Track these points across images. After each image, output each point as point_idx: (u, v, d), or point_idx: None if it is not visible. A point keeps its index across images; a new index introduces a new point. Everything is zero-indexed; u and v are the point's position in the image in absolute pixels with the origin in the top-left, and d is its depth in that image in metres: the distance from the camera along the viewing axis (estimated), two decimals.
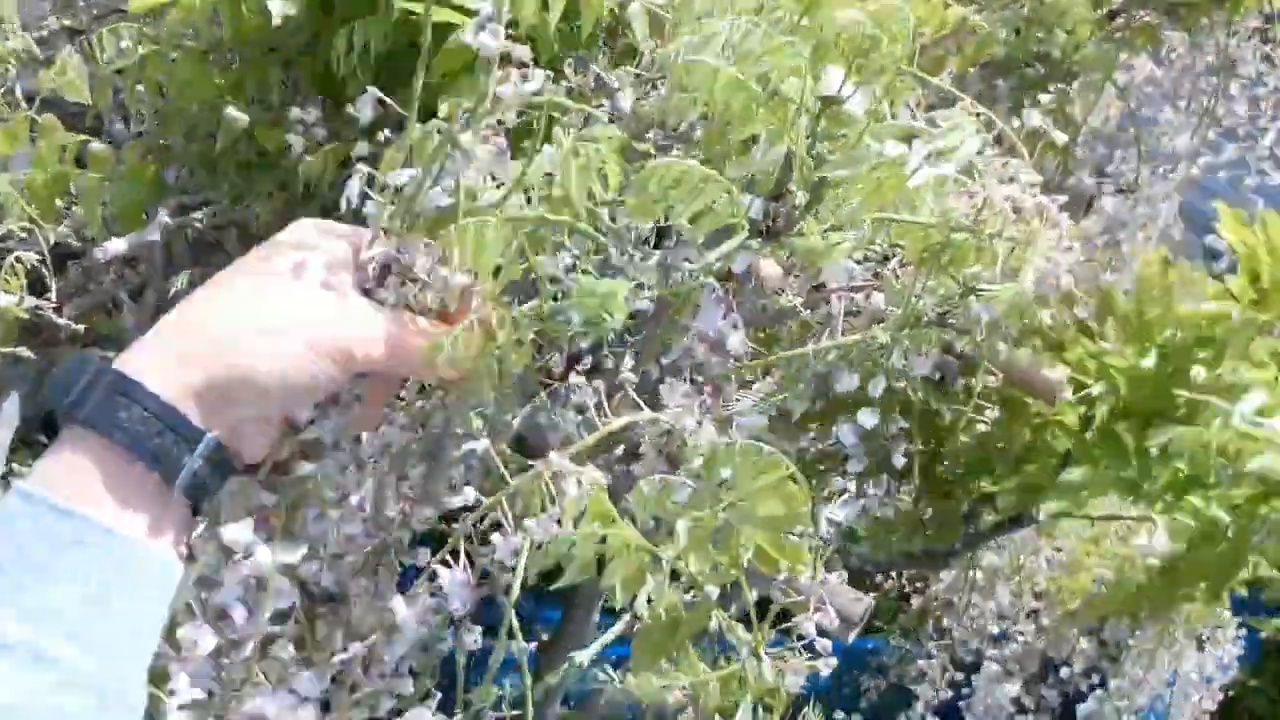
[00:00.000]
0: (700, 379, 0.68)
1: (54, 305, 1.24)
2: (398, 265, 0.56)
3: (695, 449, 0.55)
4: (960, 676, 1.90)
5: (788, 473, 0.54)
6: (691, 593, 0.59)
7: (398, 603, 0.57)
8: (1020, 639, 1.82)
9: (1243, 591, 2.00)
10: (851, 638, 1.07)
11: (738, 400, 0.68)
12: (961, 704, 1.90)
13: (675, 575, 0.59)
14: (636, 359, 0.67)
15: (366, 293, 0.56)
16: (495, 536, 0.53)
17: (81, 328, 1.32)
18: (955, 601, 1.83)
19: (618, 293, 0.53)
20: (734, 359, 0.67)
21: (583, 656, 0.61)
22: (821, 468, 1.18)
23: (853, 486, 1.37)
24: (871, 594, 2.07)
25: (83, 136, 1.12)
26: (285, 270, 0.54)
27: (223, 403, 0.51)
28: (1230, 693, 1.95)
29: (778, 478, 0.54)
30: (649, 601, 0.60)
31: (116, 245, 1.10)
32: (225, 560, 0.55)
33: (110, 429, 0.49)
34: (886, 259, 0.72)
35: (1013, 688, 1.82)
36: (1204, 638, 1.84)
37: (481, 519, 0.56)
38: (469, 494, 0.56)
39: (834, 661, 0.81)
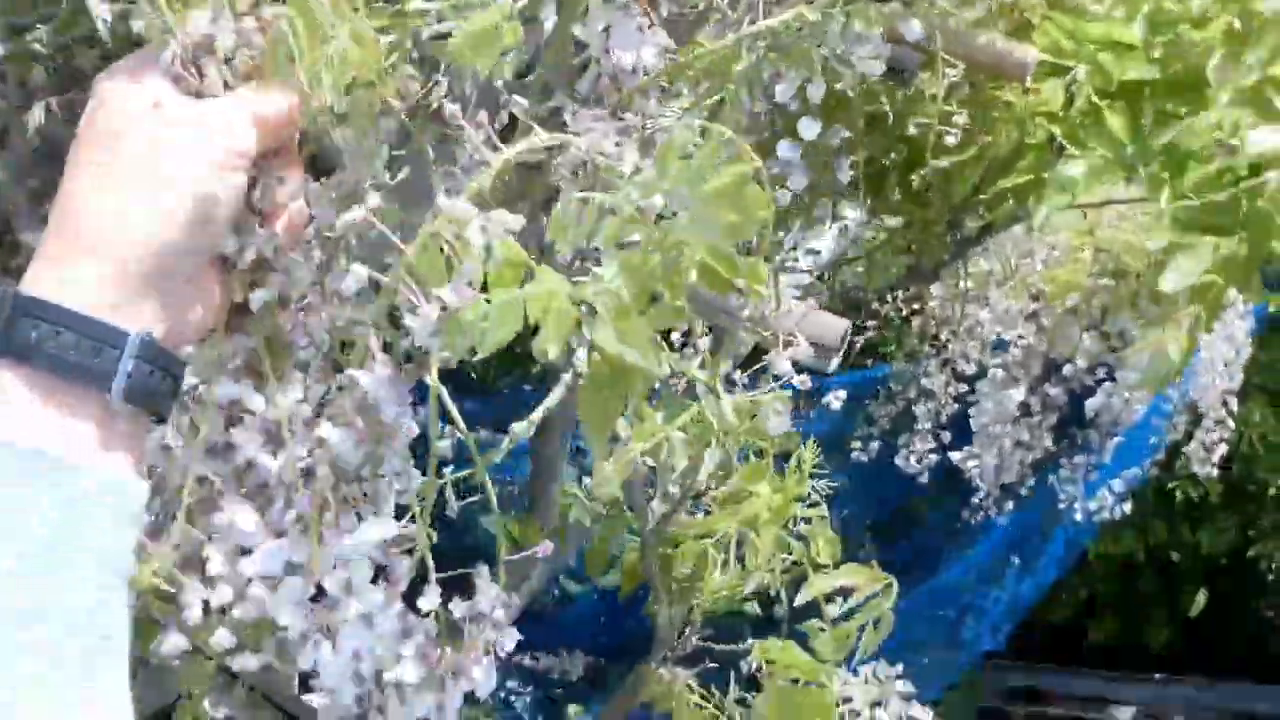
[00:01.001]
0: (616, 100, 0.61)
1: None
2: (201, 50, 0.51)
3: (623, 173, 0.48)
4: (965, 389, 1.90)
5: (748, 171, 0.47)
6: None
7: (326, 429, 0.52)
8: (1021, 343, 1.79)
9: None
10: (834, 365, 1.04)
11: (663, 118, 0.61)
12: (971, 413, 1.91)
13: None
14: (544, 93, 0.60)
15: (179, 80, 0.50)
16: (407, 318, 0.47)
17: None
18: (952, 314, 1.80)
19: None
20: (647, 71, 0.60)
21: (520, 428, 0.56)
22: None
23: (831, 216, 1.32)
24: (872, 321, 2.06)
25: None
26: (123, 129, 0.49)
27: (140, 290, 0.48)
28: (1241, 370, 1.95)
29: (737, 179, 0.47)
30: (589, 353, 0.55)
31: None
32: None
33: (28, 355, 0.45)
34: None
35: (1018, 392, 1.81)
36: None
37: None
38: (359, 272, 0.49)
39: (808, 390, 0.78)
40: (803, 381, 0.73)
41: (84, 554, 0.45)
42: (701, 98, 0.63)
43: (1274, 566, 2.14)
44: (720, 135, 0.48)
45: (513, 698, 2.52)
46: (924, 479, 2.01)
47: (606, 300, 0.50)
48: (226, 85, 0.51)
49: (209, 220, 0.49)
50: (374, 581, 0.51)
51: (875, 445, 2.13)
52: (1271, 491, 2.12)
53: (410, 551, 0.52)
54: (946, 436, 2.01)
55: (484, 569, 0.54)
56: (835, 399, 1.99)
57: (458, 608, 0.49)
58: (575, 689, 2.52)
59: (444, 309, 0.48)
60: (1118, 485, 2.01)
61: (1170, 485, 2.06)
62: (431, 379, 0.51)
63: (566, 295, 0.49)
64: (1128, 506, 2.02)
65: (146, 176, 0.48)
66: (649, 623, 1.06)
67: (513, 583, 1.54)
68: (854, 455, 2.15)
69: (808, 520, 0.89)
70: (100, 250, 0.47)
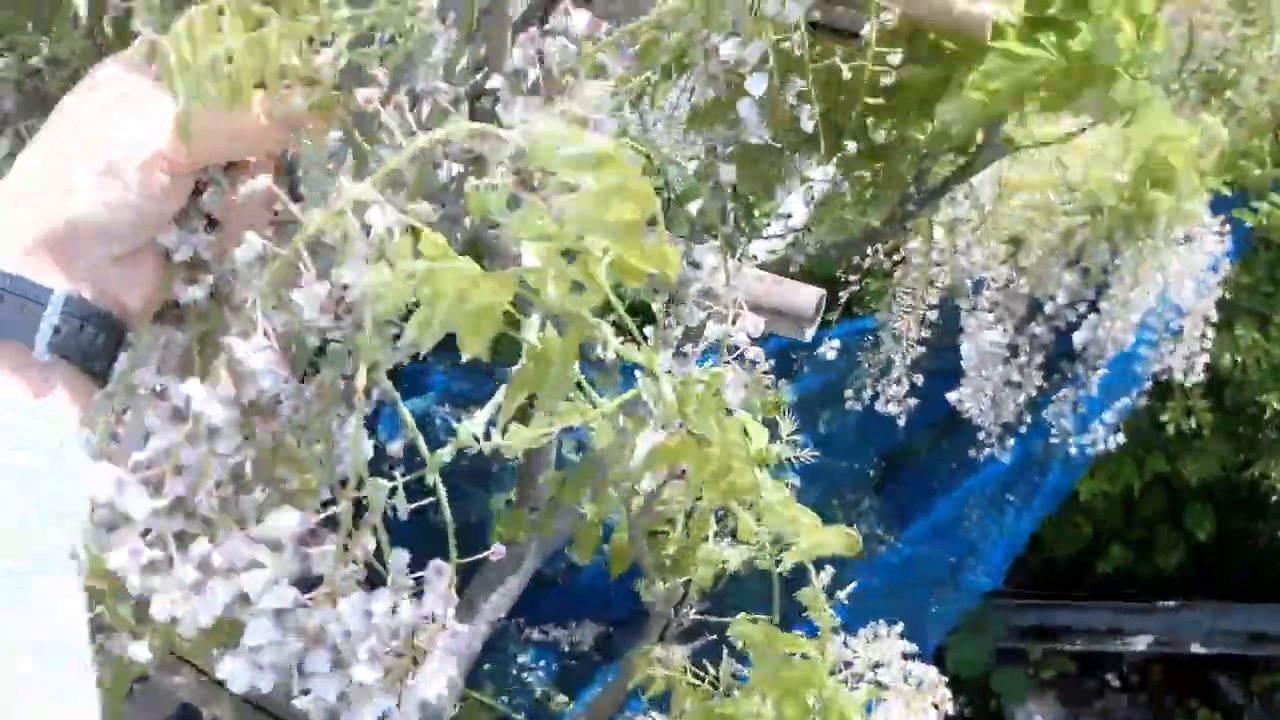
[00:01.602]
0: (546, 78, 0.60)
1: None
2: None
3: (521, 150, 0.48)
4: (949, 333, 1.90)
5: (629, 170, 0.47)
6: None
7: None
8: (1001, 283, 1.79)
9: (1225, 191, 1.97)
10: (810, 333, 1.03)
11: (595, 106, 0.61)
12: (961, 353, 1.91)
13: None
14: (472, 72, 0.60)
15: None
16: (295, 291, 0.47)
17: None
18: (928, 260, 1.79)
19: None
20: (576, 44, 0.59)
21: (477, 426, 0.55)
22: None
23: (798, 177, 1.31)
24: (854, 276, 2.05)
25: None
26: (82, 106, 0.52)
27: (67, 256, 0.49)
28: (1226, 294, 1.94)
29: (618, 178, 0.47)
30: (537, 335, 0.54)
31: None
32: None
33: None
34: None
35: (1001, 332, 1.81)
36: (1188, 238, 1.81)
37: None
38: (255, 243, 0.48)
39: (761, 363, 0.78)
40: (756, 354, 0.73)
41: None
42: (635, 74, 0.63)
43: (1277, 487, 2.14)
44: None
45: (524, 673, 2.54)
46: (915, 423, 2.02)
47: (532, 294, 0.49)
48: None
49: (134, 212, 0.50)
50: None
51: (865, 394, 2.13)
52: (1267, 414, 2.12)
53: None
54: (935, 382, 2.01)
55: (439, 564, 0.53)
56: (830, 350, 2.00)
57: (404, 610, 0.49)
58: (587, 659, 2.54)
59: (344, 288, 0.47)
60: (1109, 417, 2.01)
61: (1163, 417, 2.06)
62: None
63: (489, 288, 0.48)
64: (1121, 438, 2.02)
65: (84, 154, 0.50)
66: None
67: (510, 565, 1.53)
68: (847, 405, 2.15)
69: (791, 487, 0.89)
70: (30, 222, 0.48)
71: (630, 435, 0.61)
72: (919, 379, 1.95)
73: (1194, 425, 2.04)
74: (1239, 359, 2.01)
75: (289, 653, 0.50)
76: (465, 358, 0.49)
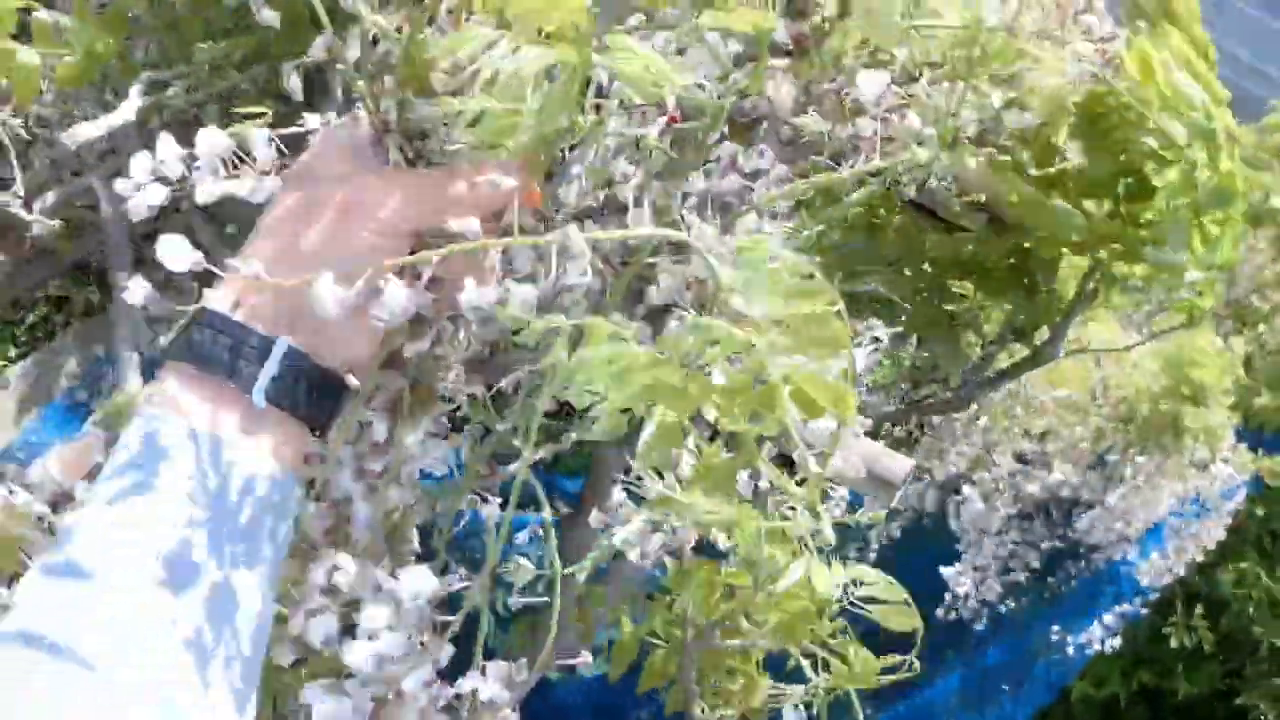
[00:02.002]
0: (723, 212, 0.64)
1: (21, 199, 1.18)
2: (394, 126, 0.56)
3: (726, 281, 0.51)
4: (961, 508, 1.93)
5: (832, 304, 0.50)
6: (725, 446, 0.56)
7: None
8: (1022, 471, 1.83)
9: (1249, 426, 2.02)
10: (895, 500, 1.05)
11: (768, 235, 0.65)
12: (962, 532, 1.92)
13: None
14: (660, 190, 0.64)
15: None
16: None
17: (57, 222, 1.26)
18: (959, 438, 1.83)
19: (665, 69, 0.48)
20: (753, 188, 0.63)
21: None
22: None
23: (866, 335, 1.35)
24: (880, 440, 2.09)
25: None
26: (312, 175, 0.56)
27: (296, 316, 0.53)
28: (1239, 521, 1.99)
29: (823, 308, 0.50)
30: (697, 449, 0.57)
31: (87, 130, 1.04)
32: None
33: (186, 354, 0.52)
34: (914, 79, 0.68)
35: (1010, 516, 1.85)
36: (1208, 463, 1.86)
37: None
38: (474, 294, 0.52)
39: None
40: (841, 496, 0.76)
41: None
42: (798, 227, 0.67)
43: (1262, 716, 2.15)
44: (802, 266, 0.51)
45: None
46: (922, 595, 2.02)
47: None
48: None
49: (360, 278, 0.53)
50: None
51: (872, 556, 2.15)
52: (1262, 649, 2.14)
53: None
54: (930, 557, 2.03)
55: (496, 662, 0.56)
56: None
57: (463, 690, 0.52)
58: None
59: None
60: (1108, 620, 2.03)
61: (1163, 629, 2.08)
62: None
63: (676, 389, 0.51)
64: (1117, 642, 2.03)
65: (315, 228, 0.54)
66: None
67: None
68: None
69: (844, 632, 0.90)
70: (269, 282, 0.52)
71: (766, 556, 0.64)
72: (914, 554, 1.96)
73: (1189, 644, 2.05)
74: (1240, 591, 2.05)
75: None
76: None
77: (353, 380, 0.56)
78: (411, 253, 0.56)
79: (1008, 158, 0.78)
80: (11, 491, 0.62)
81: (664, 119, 0.60)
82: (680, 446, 0.53)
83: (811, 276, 0.52)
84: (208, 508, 0.49)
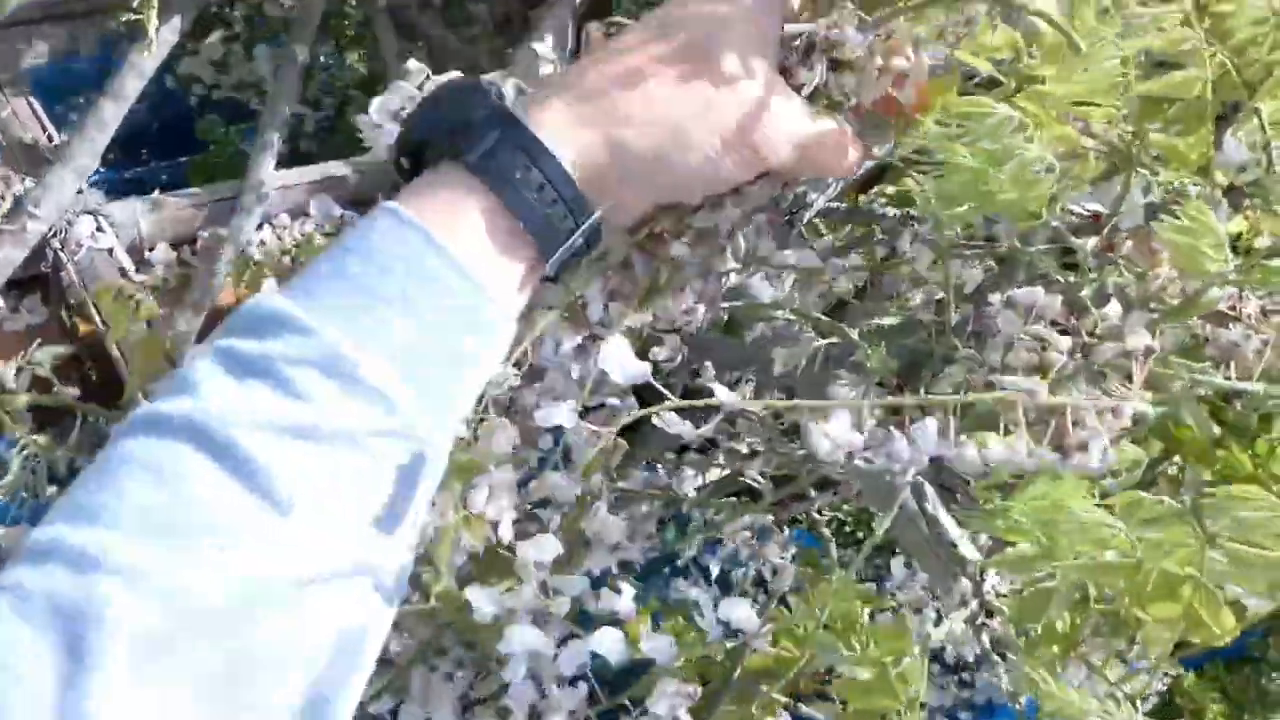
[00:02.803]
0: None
1: None
2: (825, 44, 0.50)
3: None
4: None
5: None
6: None
7: None
8: None
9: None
10: None
11: None
12: None
13: None
14: None
15: (785, 70, 0.51)
16: None
17: None
18: None
19: None
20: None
21: None
22: None
23: None
24: None
25: None
26: (700, 46, 0.49)
27: (616, 181, 0.48)
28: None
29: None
30: None
31: None
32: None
33: (504, 187, 0.46)
34: None
35: None
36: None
37: None
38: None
39: None
40: None
41: (462, 379, 0.47)
42: None
43: None
44: None
45: None
46: None
47: None
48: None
49: (698, 185, 0.50)
50: None
51: None
52: None
53: None
54: None
55: None
56: None
57: None
58: None
59: None
60: None
61: None
62: None
63: None
64: None
65: (686, 104, 0.48)
66: None
67: None
68: None
69: None
70: (604, 133, 0.48)
71: None
72: None
73: None
74: None
75: None
76: None
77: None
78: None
79: None
80: None
81: None
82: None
83: None
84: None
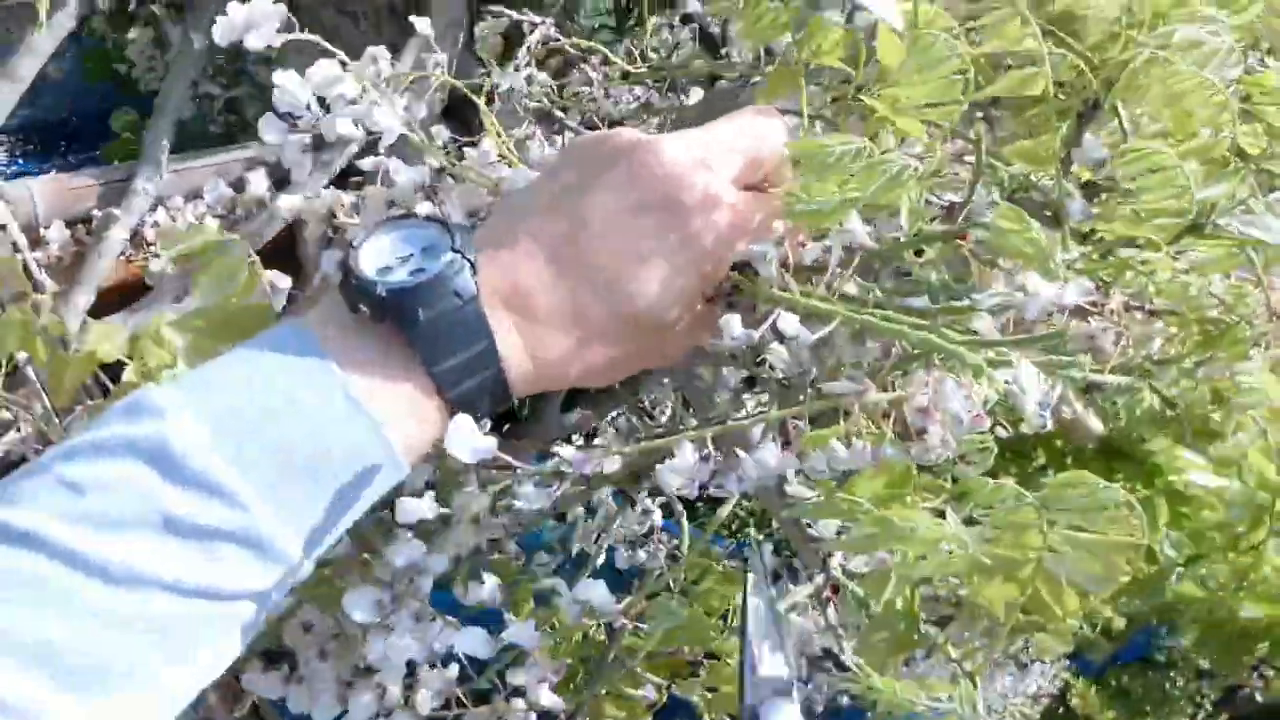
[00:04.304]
0: None
1: None
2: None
3: None
4: None
5: None
6: None
7: None
8: None
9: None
10: None
11: None
12: None
13: None
14: None
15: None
16: None
17: None
18: None
19: None
20: None
21: None
22: None
23: None
24: None
25: None
26: (644, 175, 0.48)
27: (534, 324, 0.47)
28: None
29: None
30: None
31: None
32: None
33: (414, 328, 0.45)
34: None
35: None
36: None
37: None
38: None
39: None
40: None
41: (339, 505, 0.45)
42: None
43: None
44: None
45: None
46: None
47: None
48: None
49: (680, 306, 0.49)
50: None
51: None
52: None
53: None
54: None
55: None
56: None
57: None
58: None
59: None
60: None
61: None
62: None
63: None
64: None
65: (655, 248, 0.47)
66: None
67: None
68: None
69: None
70: (538, 289, 0.47)
71: None
72: None
73: None
74: None
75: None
76: None
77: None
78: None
79: None
80: None
81: None
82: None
83: None
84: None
